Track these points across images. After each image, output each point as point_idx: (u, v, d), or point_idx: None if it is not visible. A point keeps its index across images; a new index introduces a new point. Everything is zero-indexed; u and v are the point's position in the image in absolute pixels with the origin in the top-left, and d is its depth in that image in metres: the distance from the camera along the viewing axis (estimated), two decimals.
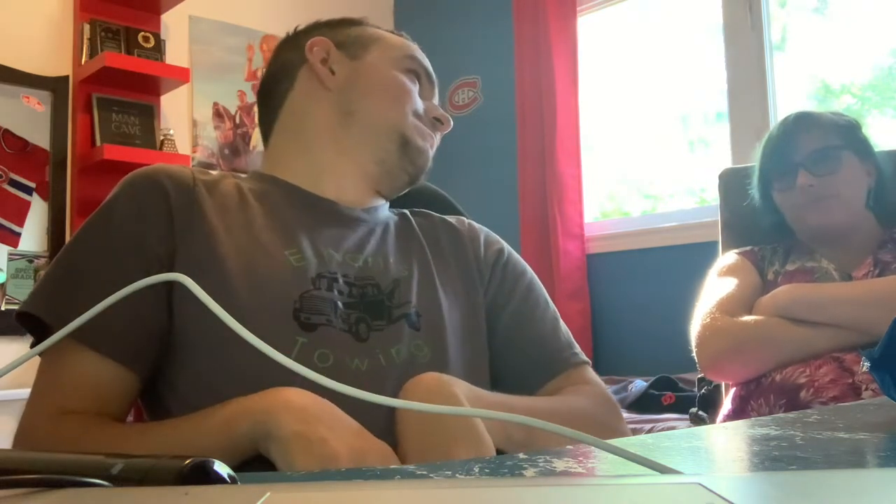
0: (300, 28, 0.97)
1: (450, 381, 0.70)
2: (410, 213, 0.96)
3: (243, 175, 0.90)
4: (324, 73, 0.89)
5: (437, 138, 0.94)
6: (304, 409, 0.61)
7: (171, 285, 0.73)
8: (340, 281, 0.79)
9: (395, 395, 0.69)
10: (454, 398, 0.66)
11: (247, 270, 0.75)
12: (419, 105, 0.90)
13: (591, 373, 0.89)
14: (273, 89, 0.93)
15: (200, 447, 0.62)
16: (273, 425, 0.60)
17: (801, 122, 1.41)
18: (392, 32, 0.96)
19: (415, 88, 0.91)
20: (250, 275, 0.75)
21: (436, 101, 0.95)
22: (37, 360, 0.74)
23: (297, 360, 0.69)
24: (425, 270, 0.86)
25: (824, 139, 1.39)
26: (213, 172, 0.87)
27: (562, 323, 0.92)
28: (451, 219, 0.97)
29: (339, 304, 0.77)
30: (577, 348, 0.90)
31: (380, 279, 0.81)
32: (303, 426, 0.60)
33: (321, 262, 0.79)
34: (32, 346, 0.74)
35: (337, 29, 0.94)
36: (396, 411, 0.68)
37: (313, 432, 0.59)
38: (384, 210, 0.93)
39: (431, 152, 0.92)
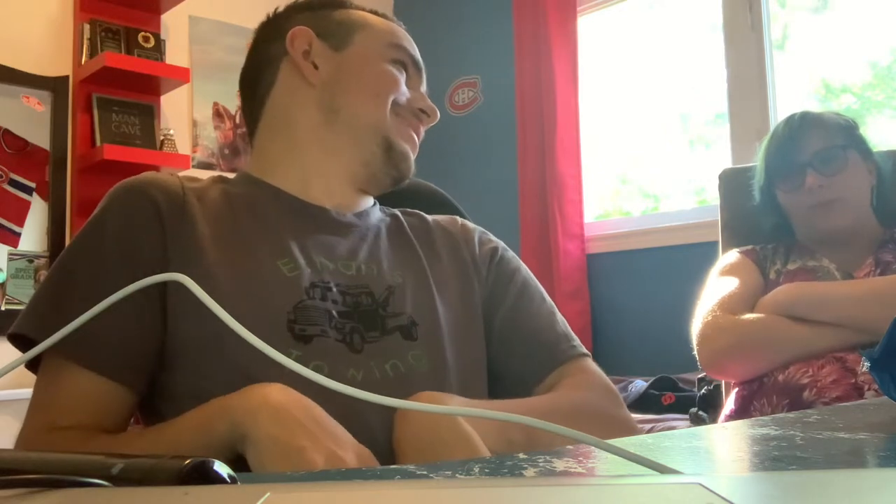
0: (280, 11, 0.93)
1: (447, 399, 0.69)
2: (402, 214, 0.94)
3: (230, 176, 0.88)
4: (307, 69, 0.86)
5: (422, 130, 0.91)
6: (284, 408, 0.59)
7: (164, 297, 0.72)
8: (334, 290, 0.77)
9: (389, 408, 0.68)
10: (451, 417, 0.65)
11: (239, 282, 0.73)
12: (403, 97, 0.87)
13: (590, 363, 0.87)
14: (255, 83, 0.91)
15: (180, 448, 0.60)
16: (250, 426, 0.58)
17: (806, 123, 1.41)
18: (377, 14, 0.92)
19: (401, 78, 0.88)
20: (242, 287, 0.73)
21: (423, 89, 0.92)
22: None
23: (291, 373, 0.68)
24: (420, 275, 0.85)
25: (829, 139, 1.39)
26: (201, 179, 0.85)
27: (559, 316, 0.91)
28: (443, 219, 0.96)
29: (334, 312, 0.76)
30: (576, 340, 0.89)
31: (373, 287, 0.80)
32: (280, 430, 0.58)
33: (314, 272, 0.78)
34: (27, 366, 0.73)
35: (319, 13, 0.90)
36: (394, 428, 0.67)
37: (291, 439, 0.57)
38: (375, 213, 0.91)
39: (415, 149, 0.89)
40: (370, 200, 0.92)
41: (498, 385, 0.85)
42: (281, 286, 0.75)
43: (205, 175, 0.91)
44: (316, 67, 0.87)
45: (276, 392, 0.61)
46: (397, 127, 0.87)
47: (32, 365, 0.74)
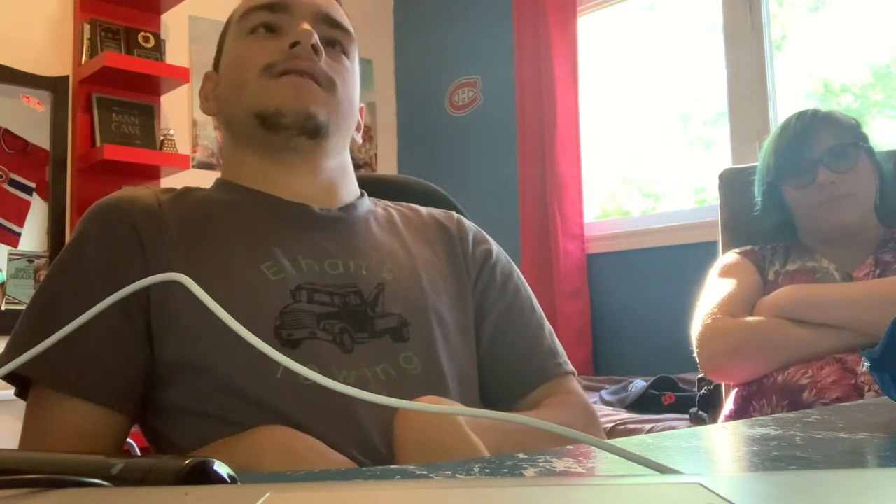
0: None
1: (449, 404, 0.69)
2: (394, 206, 0.92)
3: (205, 187, 0.87)
4: (210, 108, 0.89)
5: (313, 61, 0.80)
6: (288, 447, 0.60)
7: (148, 321, 0.71)
8: (321, 290, 0.76)
9: (383, 411, 0.68)
10: (454, 421, 0.65)
11: (222, 291, 0.70)
12: (271, 55, 0.80)
13: (573, 383, 0.86)
14: None
15: None
16: (255, 467, 0.59)
17: (818, 119, 1.41)
18: None
19: (257, 44, 0.82)
20: (226, 295, 0.70)
21: (306, 25, 0.81)
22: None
23: (282, 378, 0.69)
24: (411, 271, 0.83)
25: (840, 136, 1.39)
26: (176, 189, 0.84)
27: (547, 328, 0.89)
28: (439, 213, 0.93)
29: (322, 314, 0.74)
30: (562, 357, 0.87)
31: (361, 285, 0.78)
32: (286, 462, 0.59)
33: (300, 273, 0.76)
34: (19, 395, 0.73)
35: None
36: (395, 431, 0.66)
37: (295, 469, 0.58)
38: (364, 205, 0.88)
39: (301, 89, 0.80)
40: (356, 192, 0.89)
41: (481, 396, 0.84)
42: (266, 291, 0.73)
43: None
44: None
45: (280, 432, 0.62)
46: (265, 90, 0.80)
47: (24, 394, 0.73)
